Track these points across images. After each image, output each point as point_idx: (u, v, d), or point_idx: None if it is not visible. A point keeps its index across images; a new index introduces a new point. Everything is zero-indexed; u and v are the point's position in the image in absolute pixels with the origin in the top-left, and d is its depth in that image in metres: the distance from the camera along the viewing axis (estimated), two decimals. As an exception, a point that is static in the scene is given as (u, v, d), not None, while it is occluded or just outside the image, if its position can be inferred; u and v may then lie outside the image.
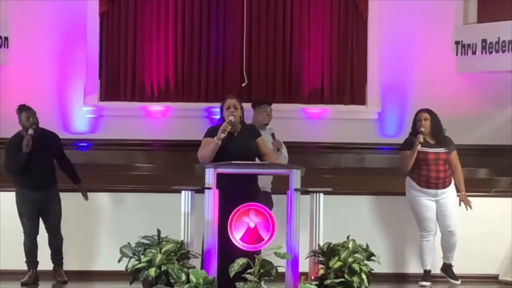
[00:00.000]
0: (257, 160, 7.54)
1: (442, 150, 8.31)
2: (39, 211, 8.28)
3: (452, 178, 8.39)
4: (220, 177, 7.23)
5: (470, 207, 8.45)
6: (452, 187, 8.38)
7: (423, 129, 8.28)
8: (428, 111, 8.41)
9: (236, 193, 7.20)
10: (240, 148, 7.35)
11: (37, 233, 8.31)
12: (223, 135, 7.26)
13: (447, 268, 8.45)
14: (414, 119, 8.43)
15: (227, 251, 7.03)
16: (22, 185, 8.24)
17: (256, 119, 8.45)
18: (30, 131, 8.13)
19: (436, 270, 8.54)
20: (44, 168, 8.27)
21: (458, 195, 8.42)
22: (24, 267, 8.34)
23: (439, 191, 8.31)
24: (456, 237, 8.36)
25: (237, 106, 7.44)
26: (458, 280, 8.43)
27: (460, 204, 8.43)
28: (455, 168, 8.40)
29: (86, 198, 8.49)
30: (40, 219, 8.35)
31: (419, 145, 8.23)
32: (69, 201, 8.56)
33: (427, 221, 8.37)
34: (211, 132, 7.43)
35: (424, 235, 8.41)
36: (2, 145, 10.52)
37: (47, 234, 8.38)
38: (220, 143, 7.28)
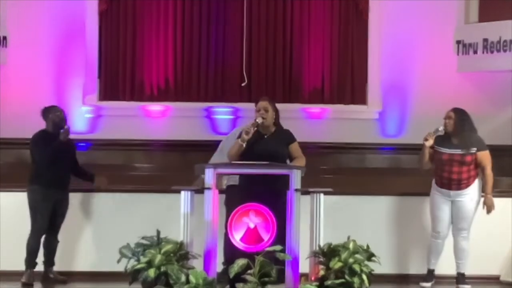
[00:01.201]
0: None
1: (457, 151, 8.16)
2: (54, 210, 8.31)
3: (473, 182, 8.22)
4: (245, 176, 7.38)
5: (490, 211, 8.28)
6: (470, 190, 8.21)
7: (440, 128, 8.22)
8: (455, 110, 8.30)
9: (262, 192, 7.22)
10: (266, 151, 7.41)
11: (44, 233, 8.33)
12: (246, 137, 7.31)
13: (458, 278, 8.33)
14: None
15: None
16: (45, 183, 8.25)
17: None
18: (67, 127, 8.29)
19: (439, 271, 8.52)
20: (65, 169, 8.36)
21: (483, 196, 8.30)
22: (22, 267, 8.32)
23: (452, 192, 8.20)
24: (466, 242, 8.28)
25: (267, 108, 7.52)
26: (467, 284, 8.37)
27: (483, 207, 8.30)
28: (483, 170, 8.23)
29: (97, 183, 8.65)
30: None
31: (427, 142, 8.17)
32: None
33: (437, 221, 8.28)
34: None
35: (434, 235, 8.36)
36: (2, 145, 10.55)
37: (46, 234, 8.36)
38: (244, 145, 7.34)
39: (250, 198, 7.20)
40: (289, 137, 7.63)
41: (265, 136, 7.55)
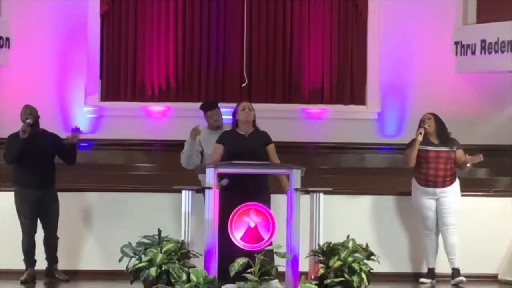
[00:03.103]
0: None
1: (443, 148, 8.40)
2: (38, 210, 8.32)
3: (455, 180, 8.44)
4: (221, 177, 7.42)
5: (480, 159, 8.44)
6: (453, 187, 8.42)
7: (426, 126, 8.37)
8: (432, 113, 8.54)
9: (237, 193, 7.28)
10: (247, 150, 7.55)
11: (35, 232, 8.35)
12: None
13: (453, 274, 8.42)
14: (419, 122, 8.51)
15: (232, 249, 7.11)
16: (21, 183, 8.29)
17: (208, 122, 8.62)
18: (29, 120, 8.23)
19: (440, 269, 8.57)
20: (43, 167, 8.31)
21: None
22: (24, 266, 8.36)
23: (438, 189, 8.38)
24: (454, 238, 8.39)
25: (251, 107, 7.84)
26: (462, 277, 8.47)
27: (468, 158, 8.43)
28: (462, 164, 8.45)
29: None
30: (38, 218, 8.38)
31: (420, 137, 8.32)
32: (69, 200, 8.60)
33: (428, 220, 8.47)
34: (222, 139, 7.80)
35: (426, 233, 8.51)
36: (2, 145, 10.58)
37: (43, 233, 8.39)
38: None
39: (230, 200, 7.29)
40: (267, 138, 7.86)
41: (245, 136, 7.75)
